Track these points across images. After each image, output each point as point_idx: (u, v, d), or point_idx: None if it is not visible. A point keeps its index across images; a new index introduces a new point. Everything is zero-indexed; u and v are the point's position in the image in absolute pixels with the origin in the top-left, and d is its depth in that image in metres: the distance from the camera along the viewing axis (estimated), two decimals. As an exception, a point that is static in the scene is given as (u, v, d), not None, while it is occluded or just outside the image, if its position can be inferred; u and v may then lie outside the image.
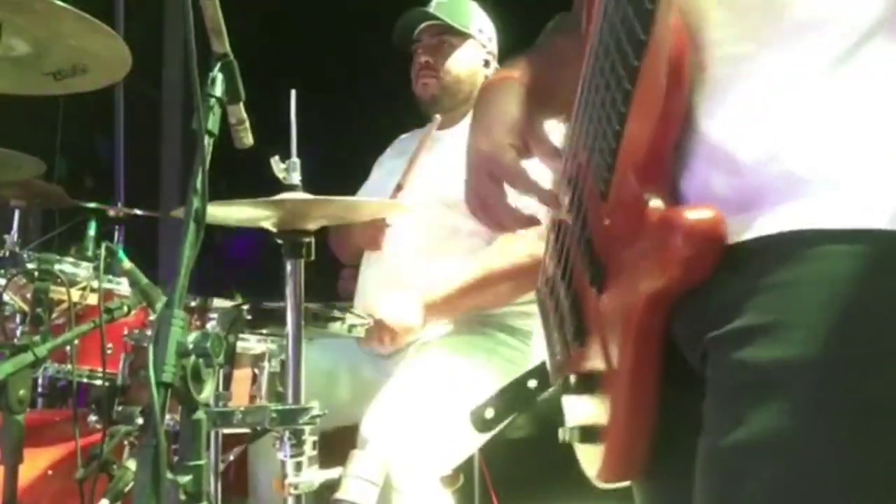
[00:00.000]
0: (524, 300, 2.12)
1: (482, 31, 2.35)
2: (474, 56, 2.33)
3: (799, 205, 0.67)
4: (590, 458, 0.87)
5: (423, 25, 2.32)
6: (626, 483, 0.85)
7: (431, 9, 2.33)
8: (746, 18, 0.72)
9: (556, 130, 0.96)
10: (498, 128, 0.92)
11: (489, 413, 1.05)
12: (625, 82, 0.71)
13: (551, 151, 0.92)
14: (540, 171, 0.94)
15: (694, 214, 0.67)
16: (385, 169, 2.45)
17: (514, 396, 1.06)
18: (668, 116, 0.71)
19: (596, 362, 0.81)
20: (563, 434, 0.93)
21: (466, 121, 2.28)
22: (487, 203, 0.96)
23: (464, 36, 2.31)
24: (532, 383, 1.05)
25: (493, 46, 2.39)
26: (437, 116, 2.28)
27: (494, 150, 0.91)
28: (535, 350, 2.12)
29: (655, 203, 0.70)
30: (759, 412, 0.65)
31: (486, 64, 2.35)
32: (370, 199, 2.30)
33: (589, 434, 0.85)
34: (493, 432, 2.02)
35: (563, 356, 0.93)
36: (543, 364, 1.04)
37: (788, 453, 0.65)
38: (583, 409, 0.87)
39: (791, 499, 0.65)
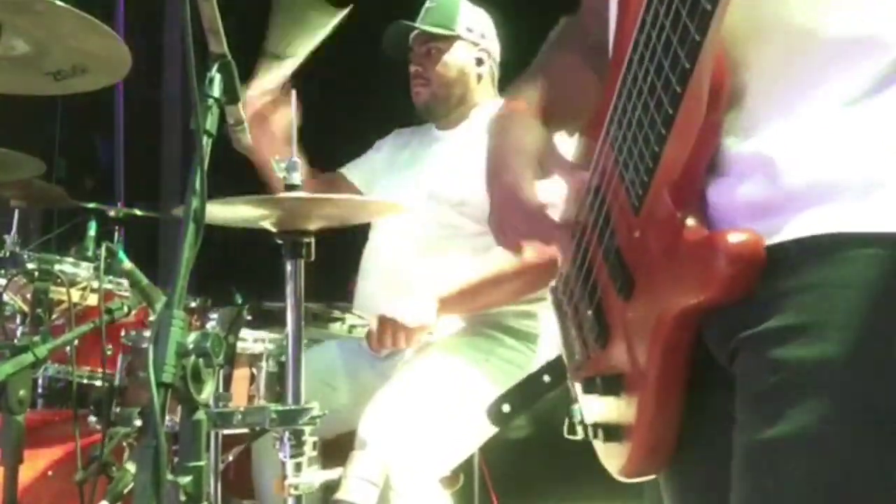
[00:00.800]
0: (524, 300, 2.12)
1: (471, 30, 2.34)
2: (464, 57, 2.33)
3: (833, 209, 0.69)
4: (611, 455, 0.90)
5: (412, 35, 2.33)
6: (636, 479, 0.88)
7: (421, 14, 2.34)
8: (785, 36, 0.74)
9: (563, 142, 1.00)
10: (516, 160, 0.96)
11: (506, 408, 1.09)
12: (667, 107, 0.72)
13: (566, 167, 0.95)
14: (557, 188, 0.98)
15: (736, 237, 0.70)
16: (384, 161, 2.45)
17: (529, 391, 1.10)
18: (706, 137, 0.73)
19: (620, 365, 0.84)
20: (581, 431, 0.96)
21: (466, 122, 2.33)
22: (517, 235, 1.00)
23: (450, 39, 2.31)
24: (546, 378, 1.08)
25: (488, 43, 2.38)
26: None
27: (515, 182, 0.95)
28: (539, 351, 2.12)
29: (691, 222, 0.74)
30: (796, 409, 0.68)
31: (479, 62, 2.35)
32: (370, 198, 2.31)
33: (613, 433, 0.88)
34: (493, 433, 2.05)
35: (582, 357, 0.96)
36: (557, 359, 1.07)
37: (824, 450, 0.67)
38: (605, 408, 0.90)
39: (830, 494, 0.66)
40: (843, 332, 0.67)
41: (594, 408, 0.95)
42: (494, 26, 2.42)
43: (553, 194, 0.99)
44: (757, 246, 0.70)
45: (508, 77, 2.37)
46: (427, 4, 2.35)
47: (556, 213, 0.97)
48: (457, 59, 2.32)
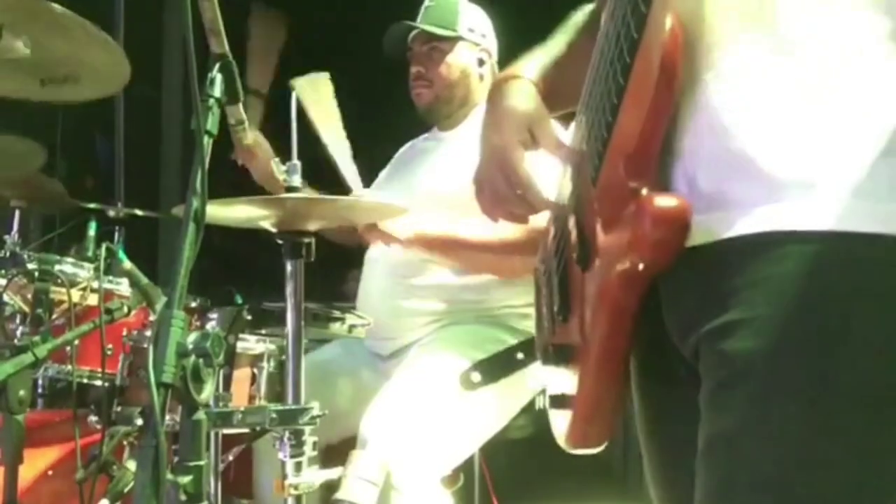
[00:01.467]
0: (525, 301, 2.12)
1: (473, 30, 2.33)
2: (466, 57, 2.32)
3: (776, 207, 0.72)
4: (559, 425, 0.93)
5: (413, 34, 2.32)
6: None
7: (421, 14, 2.33)
8: (741, 28, 0.76)
9: (559, 127, 1.01)
10: (508, 123, 0.99)
11: (475, 377, 1.13)
12: (619, 77, 0.76)
13: (556, 143, 0.98)
14: (547, 163, 0.99)
15: (662, 201, 0.72)
16: (388, 171, 2.46)
17: (501, 364, 1.13)
18: (658, 112, 0.75)
19: (574, 336, 0.87)
20: (539, 401, 1.00)
21: (467, 122, 2.33)
22: (496, 194, 1.01)
23: (452, 39, 2.30)
24: (520, 355, 1.12)
25: (489, 42, 2.37)
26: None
27: (504, 145, 0.98)
28: None
29: (638, 192, 0.75)
30: (739, 402, 0.71)
31: (481, 63, 2.34)
32: (369, 199, 2.30)
33: (559, 401, 0.92)
34: (494, 433, 2.05)
35: (548, 330, 1.00)
36: (533, 339, 1.11)
37: (764, 439, 0.70)
38: (557, 378, 0.93)
39: (768, 484, 0.69)
40: (778, 324, 0.70)
41: (550, 379, 0.98)
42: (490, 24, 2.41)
43: (545, 168, 1.00)
44: (681, 210, 0.72)
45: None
46: (426, 3, 2.34)
47: (541, 186, 0.99)
48: (459, 60, 2.31)
